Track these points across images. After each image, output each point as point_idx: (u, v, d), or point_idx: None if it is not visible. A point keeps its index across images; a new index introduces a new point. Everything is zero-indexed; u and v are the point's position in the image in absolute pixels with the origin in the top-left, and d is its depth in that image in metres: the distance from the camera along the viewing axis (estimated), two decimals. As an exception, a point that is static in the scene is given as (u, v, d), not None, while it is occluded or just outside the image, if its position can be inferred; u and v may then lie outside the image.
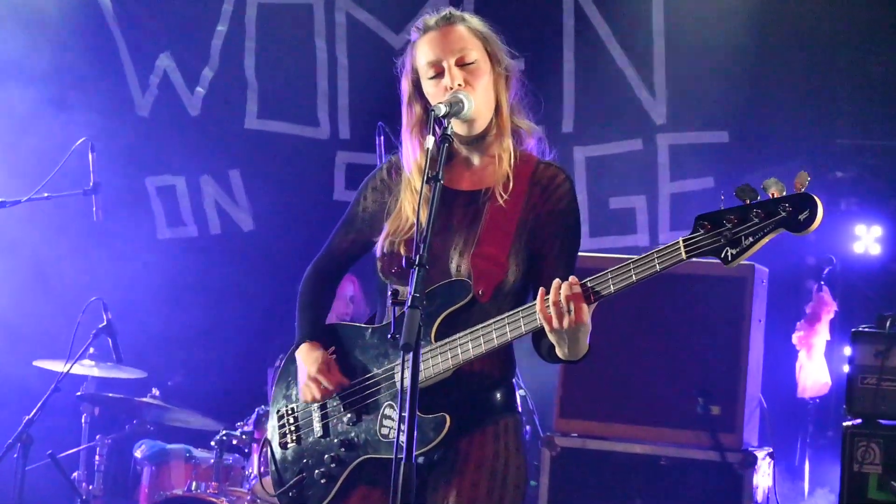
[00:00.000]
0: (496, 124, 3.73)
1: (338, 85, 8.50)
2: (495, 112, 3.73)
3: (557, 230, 3.68)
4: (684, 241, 3.24)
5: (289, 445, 3.92)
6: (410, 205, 3.74)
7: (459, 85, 3.63)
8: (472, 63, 3.68)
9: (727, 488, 5.69)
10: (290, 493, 3.86)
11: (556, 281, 3.35)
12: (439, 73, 3.68)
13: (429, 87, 3.70)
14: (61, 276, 8.26)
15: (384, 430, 3.68)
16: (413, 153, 3.75)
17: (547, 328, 3.39)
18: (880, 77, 7.24)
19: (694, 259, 5.79)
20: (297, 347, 3.93)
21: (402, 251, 3.67)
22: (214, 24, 8.59)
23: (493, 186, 3.70)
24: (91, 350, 6.79)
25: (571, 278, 3.35)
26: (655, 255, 3.28)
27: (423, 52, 3.72)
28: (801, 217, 3.12)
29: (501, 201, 3.65)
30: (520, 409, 3.80)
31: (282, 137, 8.58)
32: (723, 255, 3.21)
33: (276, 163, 8.52)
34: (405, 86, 3.78)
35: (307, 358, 3.85)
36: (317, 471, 3.82)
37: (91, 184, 6.84)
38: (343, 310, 7.38)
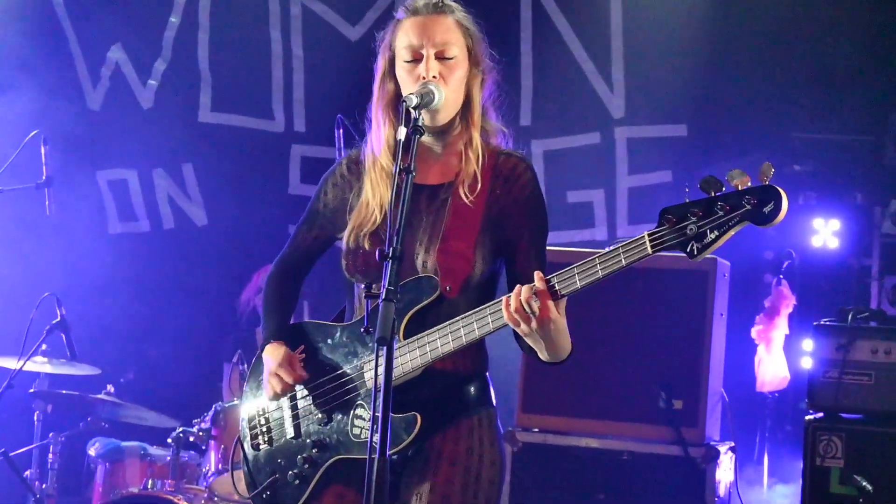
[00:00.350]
0: (464, 121, 3.68)
1: (293, 77, 8.44)
2: (465, 108, 3.68)
3: (525, 219, 3.64)
4: (649, 235, 3.21)
5: (261, 447, 3.87)
6: (376, 196, 3.69)
7: (434, 77, 3.59)
8: (452, 59, 3.63)
9: (690, 482, 5.68)
10: (264, 495, 3.80)
11: (517, 287, 3.32)
12: (416, 60, 3.62)
13: (402, 70, 3.65)
14: (12, 271, 8.15)
15: (356, 430, 3.64)
16: (380, 132, 3.70)
17: (518, 332, 3.36)
18: (838, 71, 7.26)
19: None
20: (262, 349, 3.87)
21: (367, 245, 3.63)
22: (167, 16, 8.51)
23: (455, 180, 3.65)
24: (44, 346, 6.70)
25: (537, 274, 3.31)
26: (621, 250, 3.25)
27: (405, 35, 3.66)
28: (766, 210, 3.08)
29: (467, 201, 3.61)
30: (494, 403, 3.75)
31: (236, 130, 8.51)
32: (688, 250, 3.17)
33: (230, 156, 8.44)
34: (381, 62, 3.71)
35: (271, 355, 3.79)
36: (290, 472, 3.76)
37: (44, 177, 6.76)
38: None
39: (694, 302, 5.81)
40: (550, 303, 3.30)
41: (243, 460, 3.90)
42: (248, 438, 3.91)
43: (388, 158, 3.66)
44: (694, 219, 3.16)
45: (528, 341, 3.40)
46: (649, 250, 3.21)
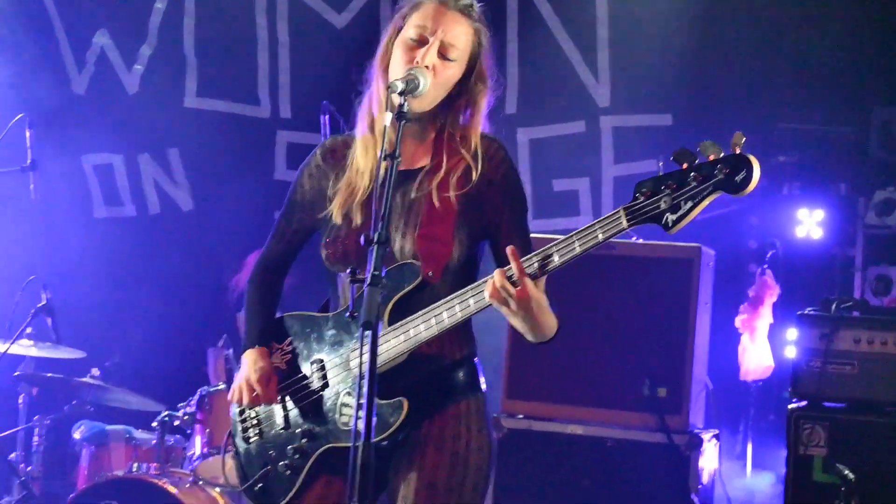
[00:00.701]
0: (447, 112, 3.68)
1: (279, 63, 8.42)
2: (450, 101, 3.68)
3: (504, 199, 3.66)
4: (625, 209, 3.21)
5: (251, 440, 3.87)
6: (361, 174, 3.70)
7: (427, 66, 3.59)
8: (452, 60, 3.62)
9: (673, 470, 5.71)
10: (256, 487, 3.81)
11: (496, 271, 3.33)
12: (420, 43, 3.62)
13: (402, 45, 3.64)
14: (-5, 253, 8.15)
15: (344, 419, 3.63)
16: (376, 94, 3.69)
17: (502, 312, 3.37)
18: (823, 62, 7.27)
19: (644, 241, 5.84)
20: (245, 349, 3.86)
21: (358, 219, 3.64)
22: (153, 1, 8.48)
23: (430, 166, 3.66)
24: (29, 330, 6.67)
25: (509, 249, 3.31)
26: (598, 225, 3.25)
27: (422, 15, 3.65)
28: (738, 178, 3.09)
29: (451, 194, 3.61)
30: (484, 388, 3.76)
31: (222, 116, 8.49)
32: (663, 222, 3.17)
33: (215, 141, 8.41)
34: (391, 28, 3.71)
35: (252, 364, 3.79)
36: (281, 463, 3.76)
37: (28, 161, 6.73)
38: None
39: (679, 290, 5.83)
40: (528, 281, 3.31)
41: (235, 454, 3.90)
42: (240, 432, 3.90)
43: (377, 140, 3.66)
44: (668, 191, 3.16)
45: (513, 323, 3.41)
46: (625, 224, 3.21)
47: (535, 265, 3.32)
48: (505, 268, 3.33)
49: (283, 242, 3.93)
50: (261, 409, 3.85)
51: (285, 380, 3.79)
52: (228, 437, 3.96)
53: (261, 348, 3.83)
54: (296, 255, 3.98)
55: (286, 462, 3.75)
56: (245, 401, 3.77)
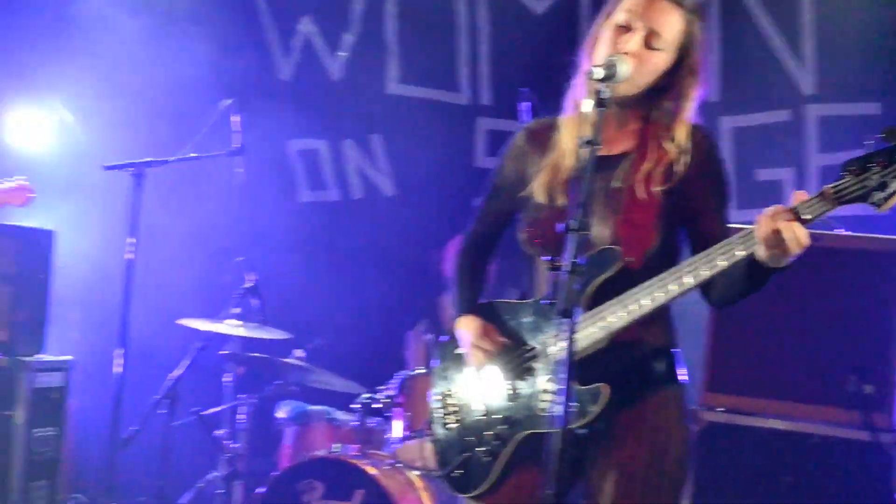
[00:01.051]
0: (652, 98, 3.68)
1: (479, 50, 8.47)
2: (657, 90, 3.67)
3: (709, 189, 3.65)
4: (832, 188, 3.16)
5: (450, 426, 3.93)
6: (566, 156, 3.70)
7: (627, 54, 3.58)
8: (657, 49, 3.62)
9: (877, 469, 5.57)
10: (454, 473, 3.88)
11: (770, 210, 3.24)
12: (627, 28, 3.63)
13: (608, 29, 3.67)
14: (204, 235, 8.42)
15: (542, 405, 3.66)
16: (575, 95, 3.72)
17: (765, 254, 3.29)
18: None
19: (850, 234, 5.69)
20: (454, 324, 3.94)
21: (561, 200, 3.65)
22: (355, -11, 8.64)
23: (635, 155, 3.66)
24: (236, 310, 6.88)
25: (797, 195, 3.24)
26: (803, 206, 3.20)
27: (631, 2, 3.66)
28: None
29: (657, 189, 3.60)
30: (684, 379, 3.74)
31: (422, 102, 8.58)
32: (873, 200, 3.11)
33: (417, 128, 8.51)
34: (604, 12, 3.73)
35: (467, 328, 3.86)
36: (479, 449, 3.82)
37: (236, 145, 6.89)
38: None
39: (887, 284, 5.69)
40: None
41: (434, 440, 3.98)
42: (439, 418, 3.97)
43: (582, 124, 3.61)
44: (877, 168, 3.09)
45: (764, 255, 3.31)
46: (832, 204, 3.16)
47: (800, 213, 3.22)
48: (775, 206, 3.25)
49: (485, 224, 4.00)
50: (460, 394, 3.91)
51: (486, 365, 3.83)
52: (427, 423, 4.02)
53: (471, 315, 3.88)
54: (498, 238, 4.03)
55: (485, 448, 3.80)
56: (483, 360, 3.79)
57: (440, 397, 3.99)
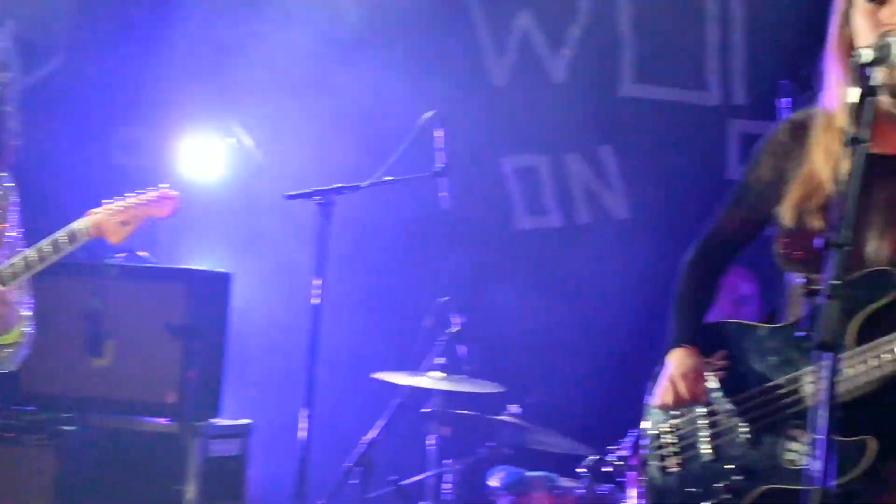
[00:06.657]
0: None
1: (731, 40, 8.38)
2: None
3: None
4: None
5: (670, 470, 3.89)
6: (829, 162, 3.61)
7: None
8: None
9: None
10: None
11: None
12: (880, 2, 3.53)
13: (860, 14, 3.57)
14: (402, 271, 8.50)
15: (789, 455, 3.61)
16: (833, 87, 3.64)
17: None
18: None
19: None
20: (668, 350, 3.90)
21: (814, 225, 3.56)
22: (585, -25, 8.64)
23: None
24: (440, 359, 6.89)
25: None
26: None
27: None
28: None
29: None
30: None
31: (663, 105, 8.54)
32: None
33: (656, 136, 8.49)
34: (839, 1, 3.66)
35: (677, 362, 3.84)
36: (706, 502, 3.76)
37: (439, 165, 6.91)
38: (728, 311, 7.21)
39: None
40: None
41: (647, 485, 3.94)
42: (655, 459, 3.92)
43: (844, 119, 3.55)
44: None
45: None
46: None
47: None
48: None
49: (725, 232, 3.99)
50: (683, 433, 3.87)
51: (716, 401, 3.79)
52: (640, 466, 3.98)
53: (690, 348, 3.84)
54: (738, 252, 4.02)
55: (714, 502, 3.75)
56: (669, 401, 3.80)
57: (656, 435, 3.95)
